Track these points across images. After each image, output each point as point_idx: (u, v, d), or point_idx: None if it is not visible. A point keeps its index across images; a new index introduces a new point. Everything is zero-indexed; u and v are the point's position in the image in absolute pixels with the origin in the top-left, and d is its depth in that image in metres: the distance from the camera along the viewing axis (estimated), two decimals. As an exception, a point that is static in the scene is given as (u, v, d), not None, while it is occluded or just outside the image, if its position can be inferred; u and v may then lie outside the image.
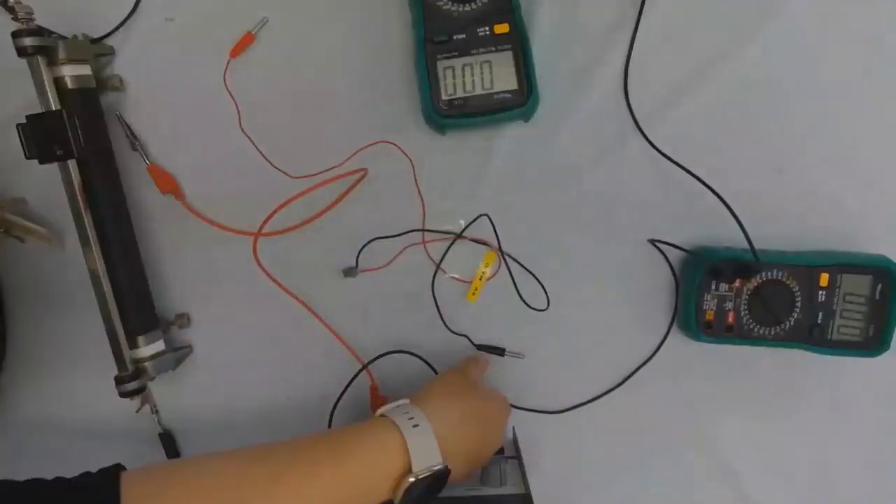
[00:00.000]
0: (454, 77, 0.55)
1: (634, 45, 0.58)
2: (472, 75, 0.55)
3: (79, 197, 0.54)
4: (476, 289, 0.60)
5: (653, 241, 0.58)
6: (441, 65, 0.55)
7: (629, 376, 0.60)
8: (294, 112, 0.60)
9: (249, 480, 0.43)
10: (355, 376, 0.61)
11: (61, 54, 0.53)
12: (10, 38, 0.51)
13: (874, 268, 0.55)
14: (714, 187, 0.54)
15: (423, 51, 0.55)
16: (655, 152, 0.57)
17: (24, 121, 0.52)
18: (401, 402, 0.50)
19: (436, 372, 0.61)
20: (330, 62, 0.59)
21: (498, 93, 0.55)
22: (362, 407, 0.61)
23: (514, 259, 0.60)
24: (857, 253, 0.57)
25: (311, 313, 0.61)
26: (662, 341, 0.60)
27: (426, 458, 0.45)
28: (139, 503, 0.41)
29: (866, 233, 0.58)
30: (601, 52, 0.58)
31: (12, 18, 0.51)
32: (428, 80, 0.55)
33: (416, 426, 0.46)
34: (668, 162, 0.57)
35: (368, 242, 0.60)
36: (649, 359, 0.60)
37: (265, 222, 0.57)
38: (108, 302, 0.56)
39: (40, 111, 0.53)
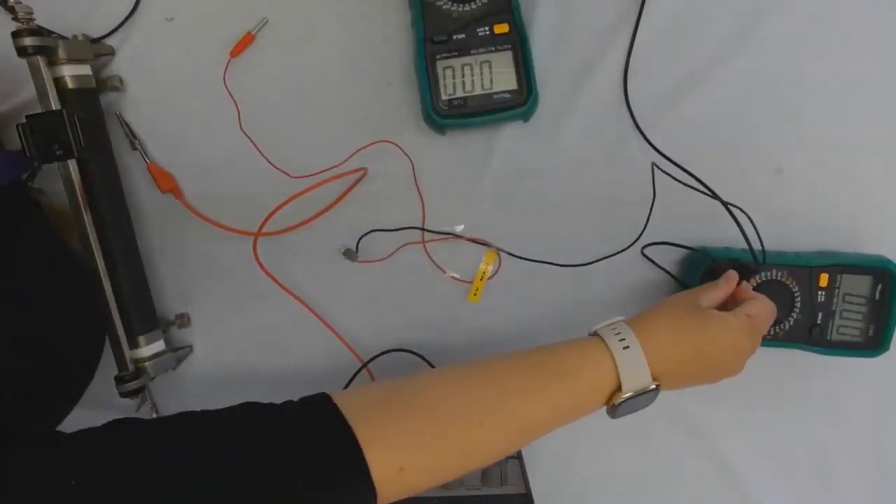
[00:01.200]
0: (454, 77, 0.55)
1: (634, 45, 0.58)
2: (472, 75, 0.55)
3: (79, 196, 0.54)
4: (477, 289, 0.60)
5: (643, 252, 0.58)
6: (441, 64, 0.55)
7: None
8: (294, 111, 0.60)
9: (475, 395, 0.43)
10: (355, 375, 0.61)
11: (61, 54, 0.53)
12: (10, 38, 0.51)
13: (874, 268, 0.55)
14: (714, 188, 0.54)
15: (422, 50, 0.55)
16: (654, 152, 0.57)
17: (24, 121, 0.52)
18: (615, 319, 0.48)
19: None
20: (330, 62, 0.59)
21: (497, 93, 0.55)
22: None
23: (517, 256, 0.60)
24: (856, 253, 0.57)
25: (311, 312, 0.61)
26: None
27: (636, 380, 0.44)
28: (362, 415, 0.40)
29: (866, 233, 0.58)
30: (601, 51, 0.58)
31: (12, 18, 0.51)
32: (427, 80, 0.55)
33: (626, 348, 0.45)
34: (668, 162, 0.57)
35: (368, 232, 0.60)
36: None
37: (265, 222, 0.57)
38: (109, 301, 0.56)
39: (40, 111, 0.53)
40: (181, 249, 0.62)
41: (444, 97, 0.55)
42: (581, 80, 0.58)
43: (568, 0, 0.57)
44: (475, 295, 0.61)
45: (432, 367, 0.61)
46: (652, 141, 0.58)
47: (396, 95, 0.59)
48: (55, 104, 0.53)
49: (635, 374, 0.44)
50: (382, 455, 0.39)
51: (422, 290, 0.61)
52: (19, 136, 0.52)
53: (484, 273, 0.60)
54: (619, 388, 0.44)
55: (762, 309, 0.49)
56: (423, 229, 0.60)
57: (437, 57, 0.55)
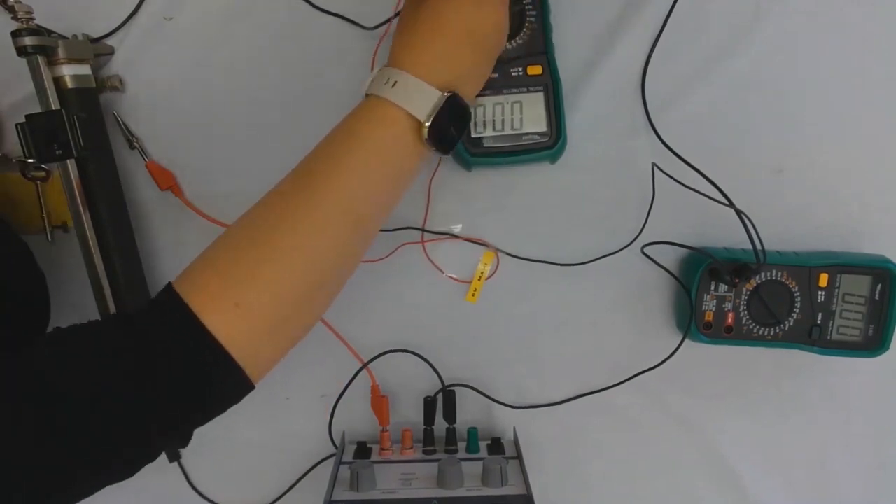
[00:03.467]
0: (484, 115, 0.55)
1: (633, 46, 0.58)
2: (503, 114, 0.55)
3: (77, 196, 0.54)
4: (476, 289, 0.60)
5: (644, 251, 0.58)
6: None
7: (629, 378, 0.60)
8: (292, 110, 0.60)
9: (284, 198, 0.42)
10: (355, 375, 0.61)
11: (61, 54, 0.53)
12: (10, 38, 0.51)
13: (873, 268, 0.55)
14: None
15: None
16: (655, 150, 0.57)
17: (24, 120, 0.52)
18: (376, 70, 0.46)
19: (437, 372, 0.60)
20: (329, 63, 0.59)
21: (527, 134, 0.55)
22: (363, 406, 0.61)
23: (515, 256, 0.60)
24: (856, 253, 0.57)
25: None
26: (663, 342, 0.60)
27: (423, 102, 0.43)
28: (192, 284, 0.39)
29: (866, 233, 0.58)
30: (612, 47, 0.58)
31: (12, 18, 0.51)
32: None
33: (394, 84, 0.43)
34: (670, 162, 0.57)
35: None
36: (656, 363, 0.60)
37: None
38: (107, 300, 0.56)
39: (39, 111, 0.53)
40: (181, 249, 0.62)
41: (473, 135, 0.55)
42: (584, 80, 0.58)
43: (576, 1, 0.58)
44: (473, 295, 0.60)
45: (432, 366, 0.60)
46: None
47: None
48: (55, 104, 0.53)
49: (417, 97, 0.42)
50: (209, 303, 0.38)
51: (420, 290, 0.61)
52: (18, 135, 0.52)
53: (482, 273, 0.60)
54: (419, 123, 0.43)
55: None
56: (422, 230, 0.60)
57: None
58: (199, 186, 0.60)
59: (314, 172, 0.43)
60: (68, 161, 0.53)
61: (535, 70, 0.55)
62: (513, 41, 0.55)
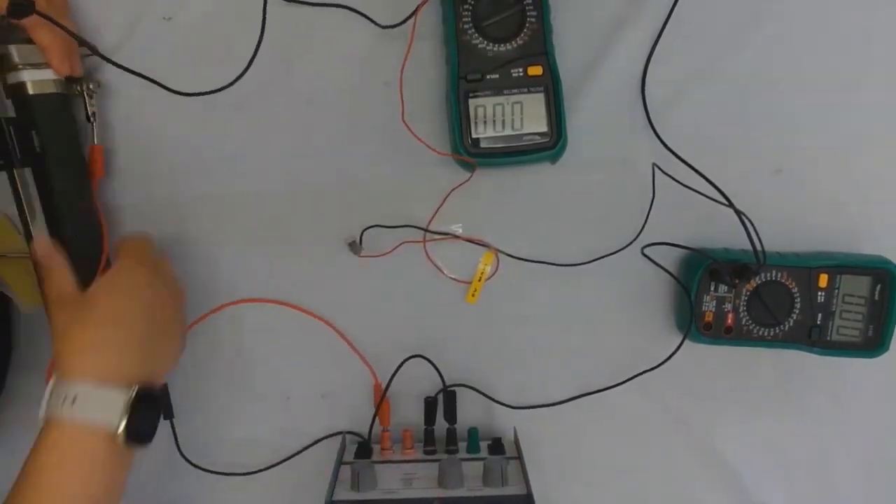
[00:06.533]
0: (485, 116, 0.55)
1: (633, 46, 0.58)
2: (503, 115, 0.55)
3: (25, 207, 0.52)
4: (476, 290, 0.60)
5: (644, 252, 0.58)
6: (473, 103, 0.55)
7: (629, 378, 0.60)
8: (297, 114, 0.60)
9: None
10: (386, 388, 0.60)
11: (16, 59, 0.51)
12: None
13: (873, 269, 0.55)
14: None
15: (455, 88, 0.55)
16: (657, 152, 0.57)
17: None
18: (49, 384, 0.43)
19: (441, 375, 0.60)
20: (329, 65, 0.59)
21: (527, 134, 0.55)
22: (363, 406, 0.61)
23: (515, 256, 0.60)
24: (856, 254, 0.57)
25: (317, 319, 0.61)
26: (663, 343, 0.60)
27: (110, 409, 0.40)
28: None
29: (866, 233, 0.58)
30: (612, 48, 0.58)
31: None
32: (458, 118, 0.55)
33: (73, 400, 0.40)
34: (670, 163, 0.57)
35: (368, 228, 0.59)
36: (656, 363, 0.60)
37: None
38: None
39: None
40: (180, 249, 0.62)
41: (473, 135, 0.55)
42: (585, 80, 0.58)
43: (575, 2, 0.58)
44: (473, 296, 0.60)
45: (437, 369, 0.60)
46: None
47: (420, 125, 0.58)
48: (10, 111, 0.51)
49: (102, 406, 0.40)
50: None
51: (420, 290, 0.61)
52: None
53: (482, 274, 0.60)
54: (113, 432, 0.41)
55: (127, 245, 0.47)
56: (424, 229, 0.60)
57: (470, 95, 0.55)
58: (200, 186, 0.60)
59: None
60: (15, 171, 0.51)
61: (535, 71, 0.55)
62: (513, 42, 0.55)
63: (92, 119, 0.56)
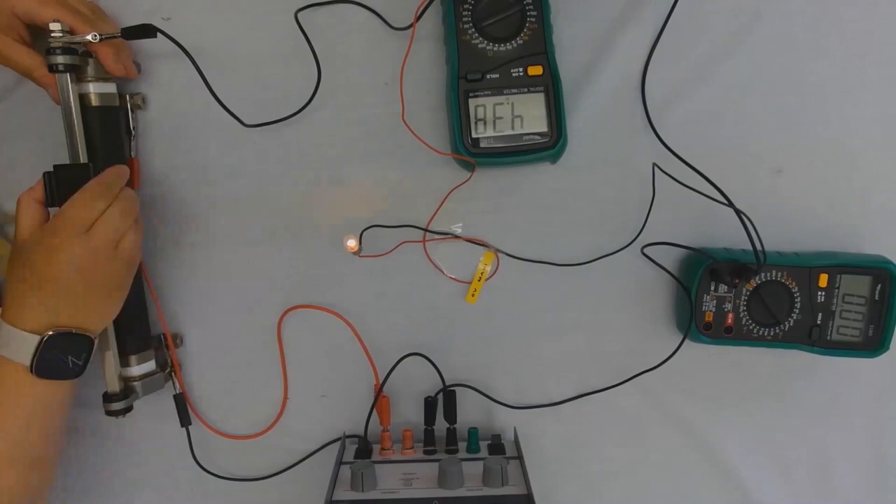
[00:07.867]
0: (485, 115, 0.55)
1: (633, 46, 0.58)
2: (503, 115, 0.55)
3: None
4: (476, 290, 0.60)
5: (644, 252, 0.58)
6: (473, 103, 0.55)
7: (629, 378, 0.60)
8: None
9: None
10: (383, 383, 0.60)
11: (90, 72, 0.54)
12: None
13: (873, 268, 0.55)
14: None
15: (455, 88, 0.55)
16: (657, 152, 0.57)
17: (52, 168, 0.51)
18: None
19: (441, 375, 0.60)
20: (328, 66, 0.59)
21: (527, 134, 0.55)
22: (363, 406, 0.61)
23: (514, 256, 0.60)
24: (856, 253, 0.57)
25: (327, 312, 0.61)
26: (663, 343, 0.60)
27: (21, 350, 0.48)
28: None
29: (866, 233, 0.58)
30: (612, 48, 0.58)
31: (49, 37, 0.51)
32: (459, 118, 0.55)
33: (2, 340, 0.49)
34: (671, 163, 0.57)
35: (368, 228, 0.59)
36: (656, 363, 0.60)
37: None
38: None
39: (67, 156, 0.53)
40: (180, 251, 0.62)
41: (473, 135, 0.55)
42: (585, 80, 0.58)
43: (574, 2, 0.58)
44: (473, 295, 0.60)
45: (437, 368, 0.60)
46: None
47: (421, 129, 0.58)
48: (78, 121, 0.53)
49: (17, 346, 0.48)
50: None
51: (420, 290, 0.61)
52: (45, 184, 0.51)
53: (482, 273, 0.60)
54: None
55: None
56: (424, 229, 0.60)
57: (470, 95, 0.55)
58: (201, 187, 0.60)
59: None
60: None
61: (535, 70, 0.55)
62: (513, 41, 0.55)
63: (132, 132, 0.59)
